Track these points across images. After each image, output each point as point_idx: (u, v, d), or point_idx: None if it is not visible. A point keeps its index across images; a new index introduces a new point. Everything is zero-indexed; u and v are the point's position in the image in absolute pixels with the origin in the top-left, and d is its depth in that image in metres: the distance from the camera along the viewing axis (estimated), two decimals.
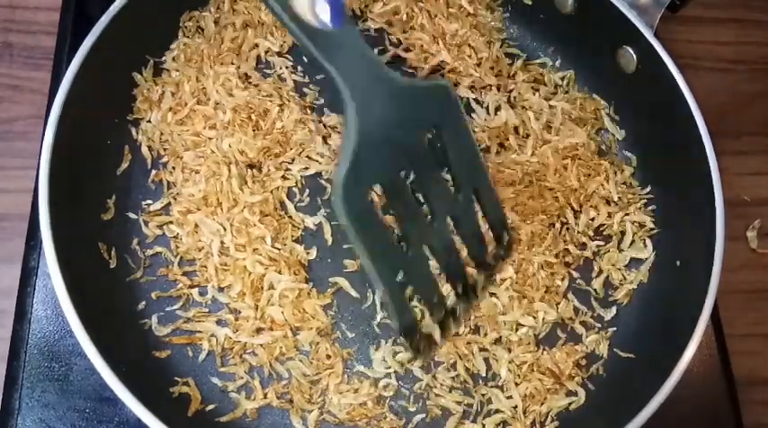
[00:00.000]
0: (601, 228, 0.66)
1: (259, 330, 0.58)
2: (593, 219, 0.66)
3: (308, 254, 0.61)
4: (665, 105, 0.64)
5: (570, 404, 0.60)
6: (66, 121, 0.55)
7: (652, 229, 0.66)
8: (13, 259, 0.61)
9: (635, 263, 0.66)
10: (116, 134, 0.63)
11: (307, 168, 0.64)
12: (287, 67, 0.68)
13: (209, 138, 0.63)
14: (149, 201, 0.62)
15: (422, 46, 0.71)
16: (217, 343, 0.58)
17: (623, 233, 0.66)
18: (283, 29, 0.67)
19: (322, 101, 0.67)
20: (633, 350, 0.62)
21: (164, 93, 0.64)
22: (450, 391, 0.59)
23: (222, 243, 0.59)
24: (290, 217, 0.62)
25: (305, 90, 0.68)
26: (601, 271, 0.65)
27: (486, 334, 0.60)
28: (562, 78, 0.72)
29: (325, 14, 0.39)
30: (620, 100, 0.71)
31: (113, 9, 0.59)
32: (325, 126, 0.66)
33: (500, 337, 0.60)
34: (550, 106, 0.70)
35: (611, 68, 0.68)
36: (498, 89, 0.70)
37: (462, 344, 0.59)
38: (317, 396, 0.57)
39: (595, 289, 0.64)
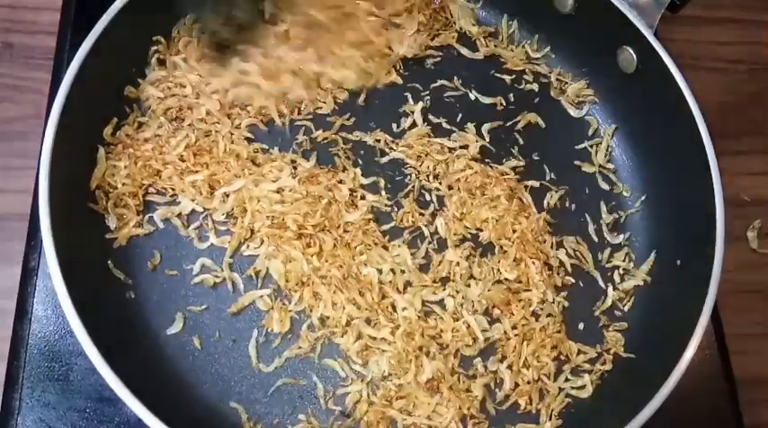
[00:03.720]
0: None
1: None
2: None
3: None
4: (665, 105, 0.64)
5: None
6: (66, 121, 0.55)
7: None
8: (13, 259, 0.61)
9: (635, 263, 0.66)
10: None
11: None
12: None
13: None
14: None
15: None
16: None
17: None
18: None
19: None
20: (634, 350, 0.62)
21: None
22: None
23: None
24: None
25: None
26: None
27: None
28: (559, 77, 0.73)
29: None
30: (621, 100, 0.71)
31: (113, 9, 0.59)
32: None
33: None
34: None
35: (612, 68, 0.68)
36: None
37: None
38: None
39: None
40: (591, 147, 0.71)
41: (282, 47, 0.66)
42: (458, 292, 0.62)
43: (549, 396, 0.60)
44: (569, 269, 0.65)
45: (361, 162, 0.66)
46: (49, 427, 0.55)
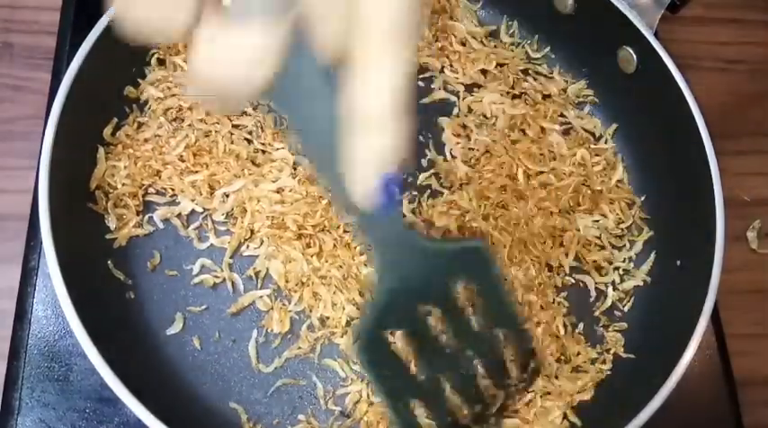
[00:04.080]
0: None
1: None
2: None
3: None
4: (665, 105, 0.64)
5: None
6: (66, 121, 0.55)
7: (648, 232, 0.66)
8: (13, 259, 0.61)
9: (635, 263, 0.66)
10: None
11: None
12: None
13: None
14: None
15: None
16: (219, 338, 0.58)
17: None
18: None
19: None
20: (633, 350, 0.62)
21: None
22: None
23: None
24: None
25: None
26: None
27: None
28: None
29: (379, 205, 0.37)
30: (620, 100, 0.71)
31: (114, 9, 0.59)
32: None
33: None
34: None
35: (612, 68, 0.68)
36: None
37: None
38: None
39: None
40: None
41: None
42: None
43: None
44: (567, 270, 0.65)
45: None
46: (49, 427, 0.56)
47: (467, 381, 0.52)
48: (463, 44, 0.72)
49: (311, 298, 0.60)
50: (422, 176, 0.66)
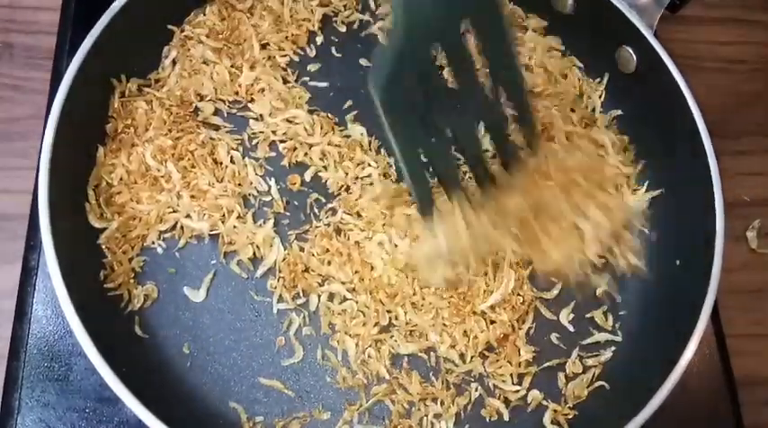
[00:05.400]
0: None
1: None
2: None
3: None
4: (664, 105, 0.64)
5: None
6: (66, 121, 0.56)
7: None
8: (13, 259, 0.61)
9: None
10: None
11: None
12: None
13: None
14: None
15: None
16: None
17: None
18: None
19: None
20: (633, 350, 0.62)
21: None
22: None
23: None
24: None
25: None
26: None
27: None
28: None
29: None
30: (620, 100, 0.71)
31: (113, 9, 0.59)
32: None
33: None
34: None
35: (611, 68, 0.68)
36: None
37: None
38: None
39: None
40: None
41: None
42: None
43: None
44: None
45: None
46: (49, 427, 0.56)
47: (469, 138, 0.56)
48: None
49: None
50: None
